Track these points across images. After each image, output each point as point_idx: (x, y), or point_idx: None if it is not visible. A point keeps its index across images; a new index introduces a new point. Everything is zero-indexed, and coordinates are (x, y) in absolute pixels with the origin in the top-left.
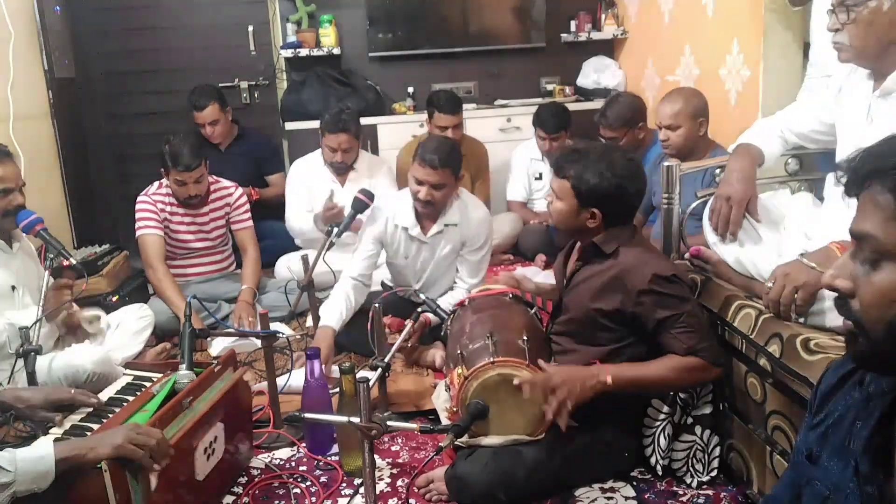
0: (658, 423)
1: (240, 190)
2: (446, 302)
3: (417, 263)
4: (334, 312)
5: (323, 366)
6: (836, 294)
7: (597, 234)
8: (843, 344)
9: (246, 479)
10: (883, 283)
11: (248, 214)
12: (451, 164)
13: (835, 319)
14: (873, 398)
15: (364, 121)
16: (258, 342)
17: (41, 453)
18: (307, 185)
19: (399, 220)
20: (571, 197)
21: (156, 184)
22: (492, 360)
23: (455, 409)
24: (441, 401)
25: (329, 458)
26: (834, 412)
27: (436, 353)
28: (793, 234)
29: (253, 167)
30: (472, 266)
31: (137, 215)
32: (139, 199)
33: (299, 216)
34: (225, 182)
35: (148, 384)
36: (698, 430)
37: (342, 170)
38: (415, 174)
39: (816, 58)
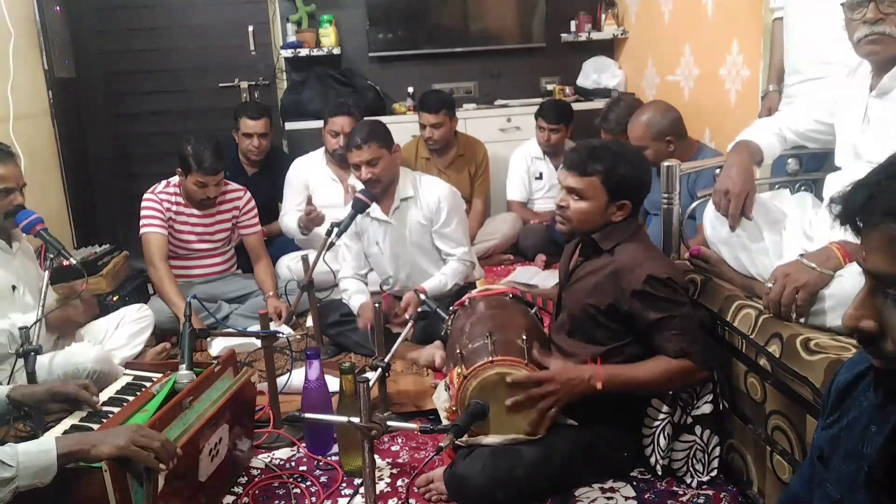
0: (658, 422)
1: (248, 194)
2: (444, 274)
3: (389, 248)
4: (360, 293)
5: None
6: (860, 335)
7: None
8: (843, 344)
9: (246, 479)
10: None
11: (257, 219)
12: (372, 139)
13: (835, 319)
14: (889, 403)
15: None
16: (258, 342)
17: (43, 447)
18: (305, 183)
19: None
20: (601, 192)
21: (163, 182)
22: (491, 359)
23: (455, 409)
24: (441, 401)
25: (329, 458)
26: (848, 413)
27: (436, 353)
28: (793, 234)
29: (272, 194)
30: (452, 237)
31: (143, 213)
32: (145, 196)
33: (291, 214)
34: (234, 185)
35: (148, 384)
36: (698, 429)
37: (345, 159)
38: (351, 162)
39: (793, 65)
